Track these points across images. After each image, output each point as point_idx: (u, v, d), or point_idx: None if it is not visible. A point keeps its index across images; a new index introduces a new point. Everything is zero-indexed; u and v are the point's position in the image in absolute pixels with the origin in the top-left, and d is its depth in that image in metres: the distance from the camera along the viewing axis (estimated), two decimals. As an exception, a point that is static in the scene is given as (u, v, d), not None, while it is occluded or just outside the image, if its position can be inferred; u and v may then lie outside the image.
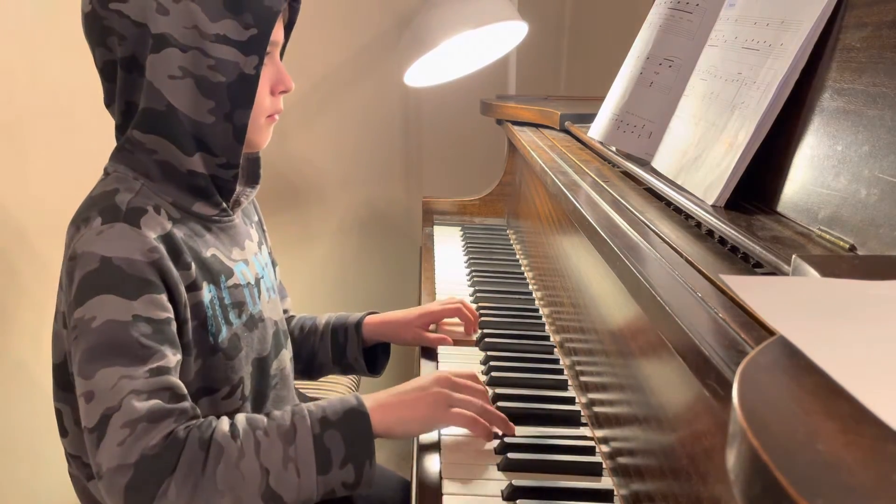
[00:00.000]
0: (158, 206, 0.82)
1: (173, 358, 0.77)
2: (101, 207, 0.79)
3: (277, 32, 0.87)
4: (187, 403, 0.76)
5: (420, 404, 0.81)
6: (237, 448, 0.73)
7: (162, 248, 0.79)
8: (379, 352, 1.15)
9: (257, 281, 0.94)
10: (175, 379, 0.76)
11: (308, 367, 1.13)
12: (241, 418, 0.77)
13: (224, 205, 0.89)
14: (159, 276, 0.78)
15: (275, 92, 0.89)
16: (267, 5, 0.82)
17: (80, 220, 0.80)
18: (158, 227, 0.80)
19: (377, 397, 0.81)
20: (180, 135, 0.82)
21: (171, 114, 0.81)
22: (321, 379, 1.21)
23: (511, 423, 0.85)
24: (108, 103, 0.87)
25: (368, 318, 1.13)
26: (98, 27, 0.81)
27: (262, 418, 0.77)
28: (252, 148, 0.91)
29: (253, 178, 0.97)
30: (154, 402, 0.72)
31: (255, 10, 0.81)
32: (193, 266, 0.82)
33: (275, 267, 1.09)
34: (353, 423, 0.77)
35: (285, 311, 1.14)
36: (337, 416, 0.77)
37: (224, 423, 0.75)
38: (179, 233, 0.82)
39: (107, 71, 0.84)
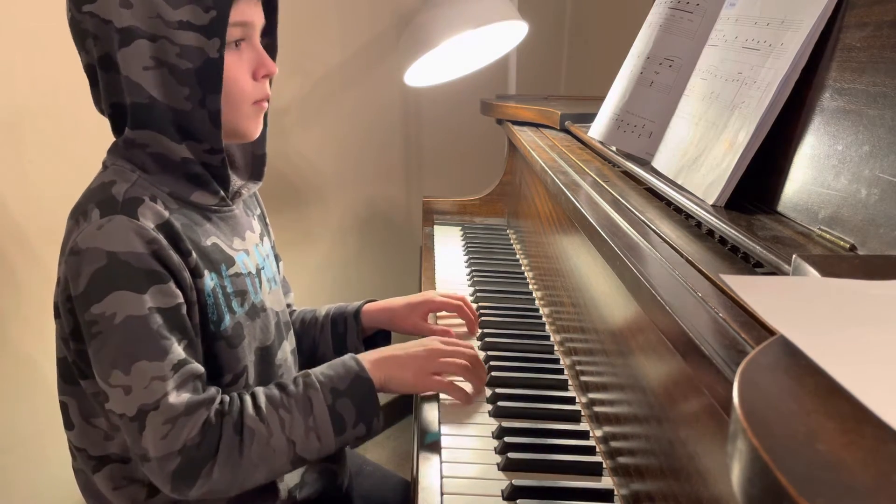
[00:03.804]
0: (155, 196, 0.82)
1: (188, 344, 0.82)
2: (98, 200, 0.81)
3: (251, 12, 0.85)
4: (213, 389, 0.83)
5: (407, 368, 0.90)
6: (266, 428, 0.82)
7: (161, 237, 0.80)
8: (379, 339, 1.15)
9: (258, 271, 0.94)
10: (194, 364, 0.81)
11: (310, 360, 1.14)
12: (261, 398, 0.84)
13: (223, 194, 0.89)
14: (162, 265, 0.79)
15: (257, 76, 0.87)
16: None
17: (78, 213, 0.82)
18: (156, 216, 0.81)
19: (371, 356, 0.90)
20: (166, 125, 0.82)
21: (154, 105, 0.82)
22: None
23: (483, 381, 0.96)
24: (97, 104, 0.87)
25: (367, 306, 1.14)
26: (78, 31, 0.82)
27: (277, 394, 0.85)
28: (242, 138, 0.90)
29: (256, 175, 0.97)
30: (187, 396, 0.79)
31: None
32: (193, 254, 0.83)
33: (278, 261, 1.09)
34: (359, 388, 0.86)
35: (288, 306, 1.14)
36: (344, 384, 0.86)
37: (249, 406, 0.83)
38: (177, 222, 0.83)
39: (90, 73, 0.85)
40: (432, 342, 0.95)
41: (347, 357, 0.90)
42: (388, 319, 1.13)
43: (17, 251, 1.34)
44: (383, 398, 0.87)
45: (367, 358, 0.90)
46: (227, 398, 0.83)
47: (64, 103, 1.35)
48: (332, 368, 0.88)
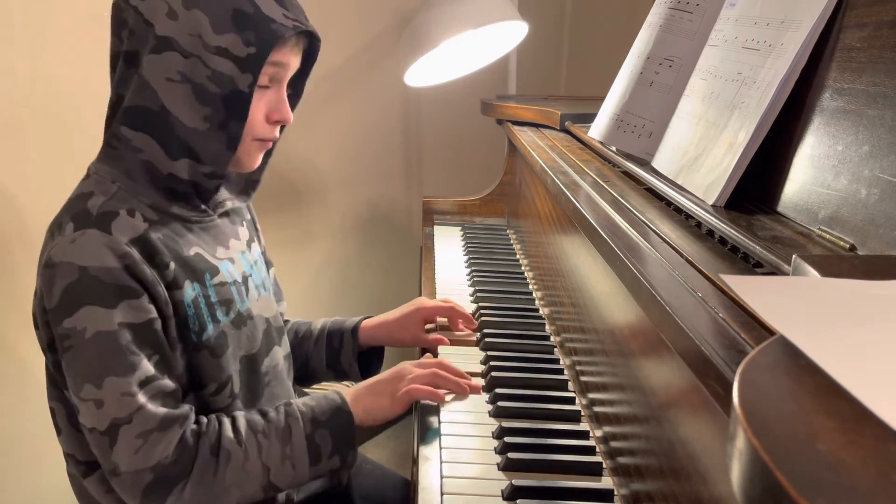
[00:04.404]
0: (132, 210, 0.82)
1: (159, 360, 0.81)
2: (73, 213, 0.81)
3: (290, 57, 0.86)
4: (186, 406, 0.83)
5: (382, 395, 0.91)
6: (242, 452, 0.82)
7: (134, 251, 0.79)
8: (373, 356, 1.15)
9: (245, 279, 0.94)
10: (165, 381, 0.81)
11: (301, 374, 1.13)
12: (241, 421, 0.85)
13: (203, 207, 0.90)
14: (135, 280, 0.79)
15: (270, 119, 0.88)
16: (272, 28, 0.81)
17: (54, 226, 0.82)
18: (131, 230, 0.81)
19: (350, 391, 0.92)
20: (169, 138, 0.83)
21: (164, 116, 0.82)
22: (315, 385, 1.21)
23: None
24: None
25: (365, 323, 1.13)
26: (117, 19, 0.83)
27: (258, 420, 0.85)
28: (238, 167, 0.91)
29: (245, 194, 0.98)
30: (160, 411, 0.79)
31: (259, 30, 0.81)
32: (173, 265, 0.83)
33: (270, 268, 1.09)
34: (339, 420, 0.87)
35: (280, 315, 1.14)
36: (325, 415, 0.87)
37: (228, 429, 0.83)
38: (157, 234, 0.83)
39: (113, 61, 0.85)
40: (401, 366, 0.96)
41: (331, 391, 0.91)
42: (388, 335, 1.13)
43: (18, 251, 1.34)
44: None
45: (350, 394, 0.91)
46: (204, 419, 0.83)
47: (64, 103, 1.35)
48: (315, 400, 0.89)
